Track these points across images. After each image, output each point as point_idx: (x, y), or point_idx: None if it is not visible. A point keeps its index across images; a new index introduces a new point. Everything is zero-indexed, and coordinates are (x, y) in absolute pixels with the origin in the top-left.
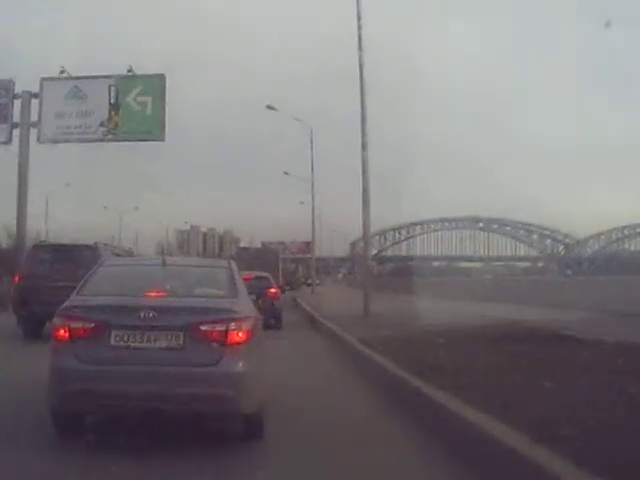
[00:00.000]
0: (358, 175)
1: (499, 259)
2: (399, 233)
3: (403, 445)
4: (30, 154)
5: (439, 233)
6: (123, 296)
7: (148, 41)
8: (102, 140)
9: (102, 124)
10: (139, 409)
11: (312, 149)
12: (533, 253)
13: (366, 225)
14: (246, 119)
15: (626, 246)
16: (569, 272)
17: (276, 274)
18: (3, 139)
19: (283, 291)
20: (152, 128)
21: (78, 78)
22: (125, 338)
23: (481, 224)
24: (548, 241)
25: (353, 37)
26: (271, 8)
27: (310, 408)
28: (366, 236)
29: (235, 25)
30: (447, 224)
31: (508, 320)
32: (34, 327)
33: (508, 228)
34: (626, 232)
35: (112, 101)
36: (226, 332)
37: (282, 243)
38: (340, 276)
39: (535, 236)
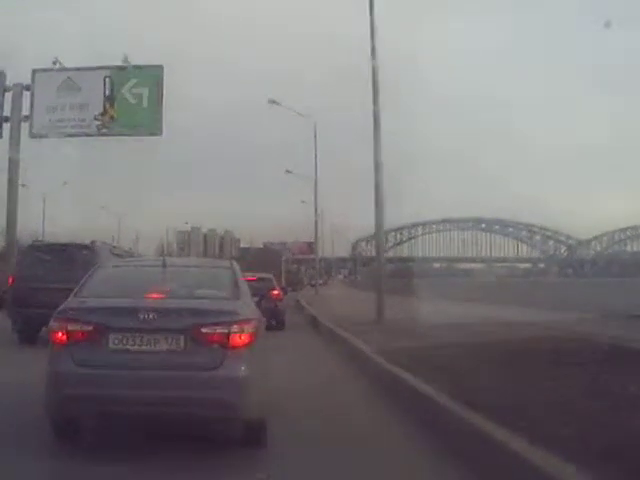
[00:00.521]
0: (358, 175)
1: (501, 260)
2: (401, 234)
3: None
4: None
5: (441, 234)
6: (122, 298)
7: (146, 32)
8: (96, 134)
9: (96, 117)
10: (139, 414)
11: (316, 144)
12: (535, 254)
13: (379, 223)
14: (247, 118)
15: (628, 248)
16: (570, 271)
17: (279, 275)
18: None
19: (285, 292)
20: (148, 121)
21: (72, 69)
22: (124, 341)
23: (483, 225)
24: (550, 242)
25: (358, 37)
26: (274, 6)
27: (330, 458)
28: (379, 236)
29: (235, 22)
30: (449, 225)
31: (532, 325)
32: (29, 331)
33: (510, 229)
34: (628, 233)
35: (107, 93)
36: (228, 335)
37: (283, 243)
38: (341, 277)
39: (537, 237)
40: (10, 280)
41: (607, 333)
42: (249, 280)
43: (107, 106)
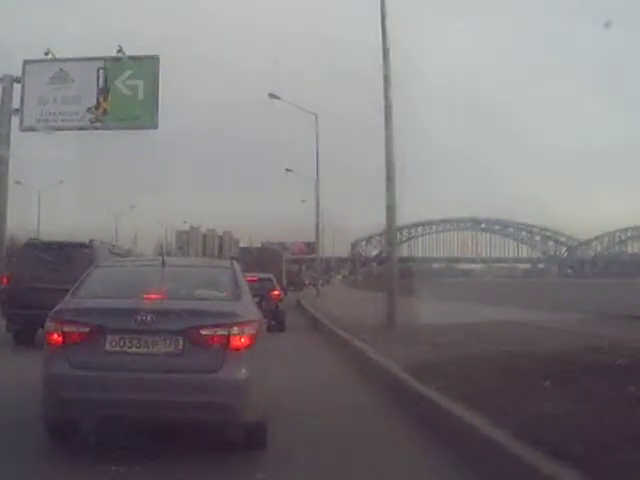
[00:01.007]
0: (357, 175)
1: (501, 260)
2: (400, 234)
3: None
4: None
5: (441, 234)
6: (119, 298)
7: (142, 28)
8: (89, 128)
9: (89, 110)
10: (136, 418)
11: (317, 138)
12: (535, 255)
13: (390, 221)
14: (246, 117)
15: (629, 248)
16: (570, 271)
17: (279, 275)
18: None
19: (286, 293)
20: (143, 114)
21: (64, 60)
22: (121, 343)
23: (483, 225)
24: (550, 243)
25: (357, 36)
26: (275, 5)
27: None
28: (391, 234)
29: (235, 21)
30: (449, 225)
31: (554, 329)
32: (26, 332)
33: (510, 230)
34: (629, 234)
35: (101, 85)
36: (228, 337)
37: (282, 243)
38: (339, 277)
39: (537, 238)
40: (5, 280)
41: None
42: (249, 281)
43: (101, 98)
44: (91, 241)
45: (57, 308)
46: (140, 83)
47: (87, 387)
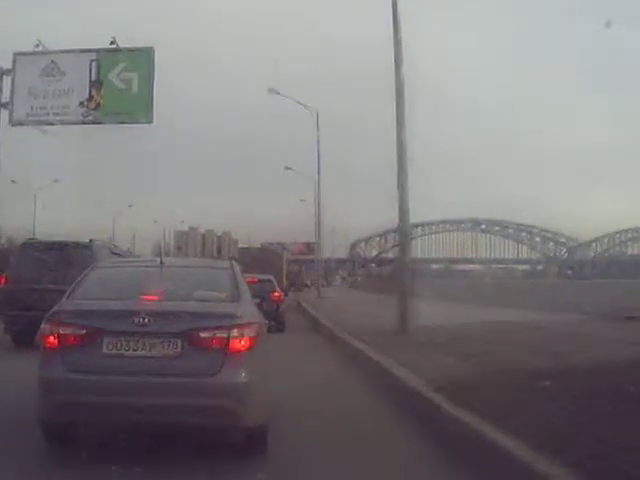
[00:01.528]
0: (356, 176)
1: (501, 262)
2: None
3: None
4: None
5: (440, 235)
6: (117, 300)
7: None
8: (81, 122)
9: (82, 104)
10: (134, 422)
11: (318, 136)
12: (535, 256)
13: (403, 218)
14: (246, 117)
15: (629, 249)
16: (569, 272)
17: (280, 276)
18: None
19: (286, 294)
20: (138, 108)
21: (55, 52)
22: (118, 345)
23: (483, 226)
24: (550, 244)
25: (354, 35)
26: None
27: None
28: (404, 231)
29: (234, 20)
30: (449, 226)
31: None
32: (24, 334)
33: (510, 230)
34: (629, 235)
35: (93, 78)
36: (227, 339)
37: (281, 244)
38: (338, 278)
39: (537, 239)
40: (3, 280)
41: None
42: (249, 282)
43: (93, 92)
44: (91, 241)
45: (53, 310)
46: (134, 76)
47: (84, 391)
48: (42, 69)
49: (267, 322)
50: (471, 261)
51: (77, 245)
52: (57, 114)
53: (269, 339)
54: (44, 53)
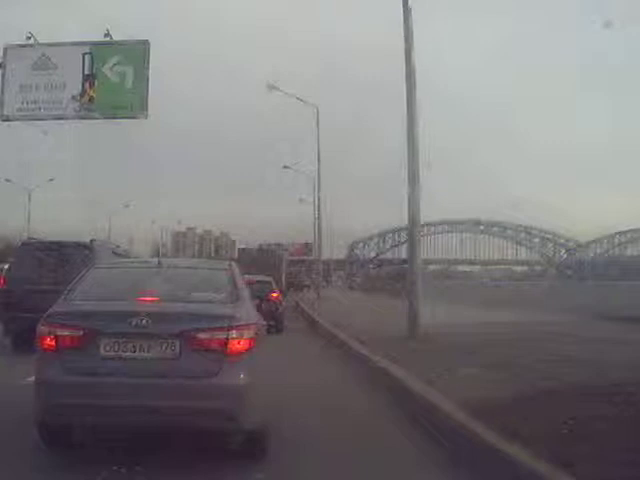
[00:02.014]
0: (354, 176)
1: (500, 263)
2: (399, 235)
3: None
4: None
5: (439, 236)
6: (114, 301)
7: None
8: (74, 117)
9: (74, 98)
10: (131, 424)
11: (318, 132)
12: (534, 257)
13: (413, 215)
14: (244, 117)
15: (628, 251)
16: (569, 272)
17: (279, 277)
18: None
19: (285, 295)
20: (132, 102)
21: (47, 45)
22: (116, 347)
23: (482, 227)
24: (550, 245)
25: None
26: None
27: None
28: (413, 231)
29: (233, 20)
30: (447, 227)
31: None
32: (24, 336)
33: (509, 231)
34: (629, 236)
35: (86, 72)
36: (226, 340)
37: (279, 244)
38: (335, 278)
39: (536, 240)
40: (1, 281)
41: None
42: (249, 283)
43: (86, 86)
44: (92, 241)
45: (50, 311)
46: (128, 69)
47: (81, 393)
48: (34, 63)
49: (266, 323)
50: (470, 262)
51: (78, 245)
52: (49, 109)
53: (268, 341)
54: (36, 46)
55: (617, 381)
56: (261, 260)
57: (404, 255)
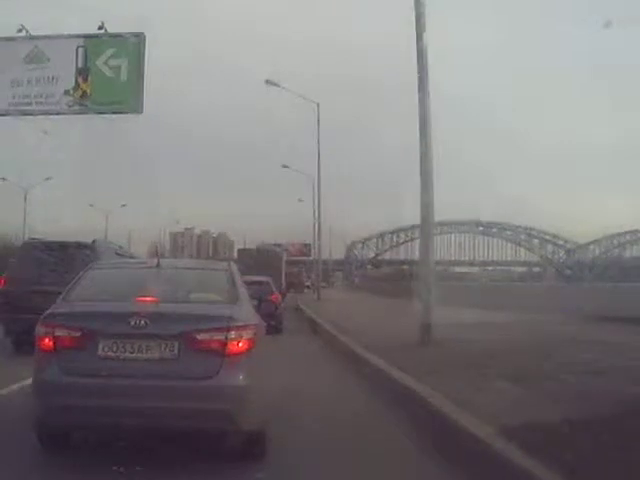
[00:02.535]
0: (353, 177)
1: (499, 264)
2: (397, 236)
3: None
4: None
5: (438, 237)
6: (113, 302)
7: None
8: (66, 112)
9: (67, 93)
10: (130, 425)
11: (318, 128)
12: (534, 258)
13: (426, 216)
14: (243, 115)
15: (627, 252)
16: (569, 272)
17: (279, 277)
18: None
19: (284, 296)
20: (127, 97)
21: (39, 38)
22: (114, 348)
23: (481, 228)
24: (549, 246)
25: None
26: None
27: None
28: (426, 231)
29: (232, 20)
30: (446, 228)
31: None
32: (24, 337)
33: (508, 232)
34: (628, 237)
35: (80, 65)
36: (225, 341)
37: (278, 245)
38: (333, 279)
39: (536, 241)
40: (2, 282)
41: None
42: (246, 283)
43: (79, 80)
44: (94, 241)
45: (48, 312)
46: (123, 63)
47: (79, 394)
48: (25, 56)
49: (265, 323)
50: (469, 263)
51: (79, 245)
52: (41, 103)
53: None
54: (27, 38)
55: None
56: (261, 260)
57: (403, 256)
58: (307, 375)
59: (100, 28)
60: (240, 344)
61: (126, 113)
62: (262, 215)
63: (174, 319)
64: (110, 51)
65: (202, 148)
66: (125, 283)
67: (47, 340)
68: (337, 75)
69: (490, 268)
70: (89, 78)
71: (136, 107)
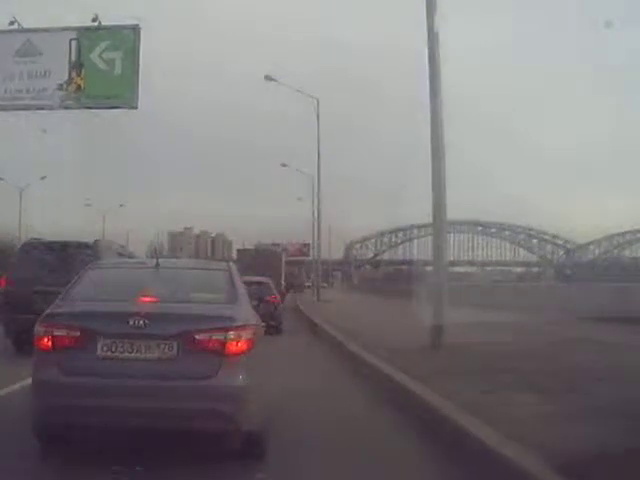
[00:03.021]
0: (352, 176)
1: (498, 264)
2: (396, 236)
3: None
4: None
5: None
6: (112, 301)
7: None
8: (60, 107)
9: (60, 87)
10: (129, 425)
11: (318, 125)
12: (533, 258)
13: (438, 214)
14: (243, 115)
15: (627, 252)
16: (568, 272)
17: (279, 277)
18: None
19: (284, 295)
20: (121, 91)
21: (32, 30)
22: (113, 348)
23: (480, 228)
24: (548, 246)
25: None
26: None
27: None
28: (440, 227)
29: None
30: (446, 228)
31: None
32: (25, 337)
33: (507, 233)
34: (627, 237)
35: (73, 59)
36: (224, 341)
37: (277, 245)
38: (331, 280)
39: (535, 241)
40: (2, 282)
41: None
42: (245, 283)
43: (73, 74)
44: (96, 241)
45: (47, 312)
46: (118, 56)
47: (78, 393)
48: (17, 49)
49: (264, 324)
50: (468, 263)
51: (80, 245)
52: (33, 98)
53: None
54: (20, 31)
55: None
56: (260, 260)
57: (402, 255)
58: (306, 375)
59: (94, 20)
60: (239, 344)
61: (121, 107)
62: (261, 215)
63: (173, 319)
64: (104, 44)
65: (201, 147)
66: (124, 283)
67: (46, 340)
68: (337, 75)
69: (489, 268)
70: (83, 72)
71: (131, 101)
